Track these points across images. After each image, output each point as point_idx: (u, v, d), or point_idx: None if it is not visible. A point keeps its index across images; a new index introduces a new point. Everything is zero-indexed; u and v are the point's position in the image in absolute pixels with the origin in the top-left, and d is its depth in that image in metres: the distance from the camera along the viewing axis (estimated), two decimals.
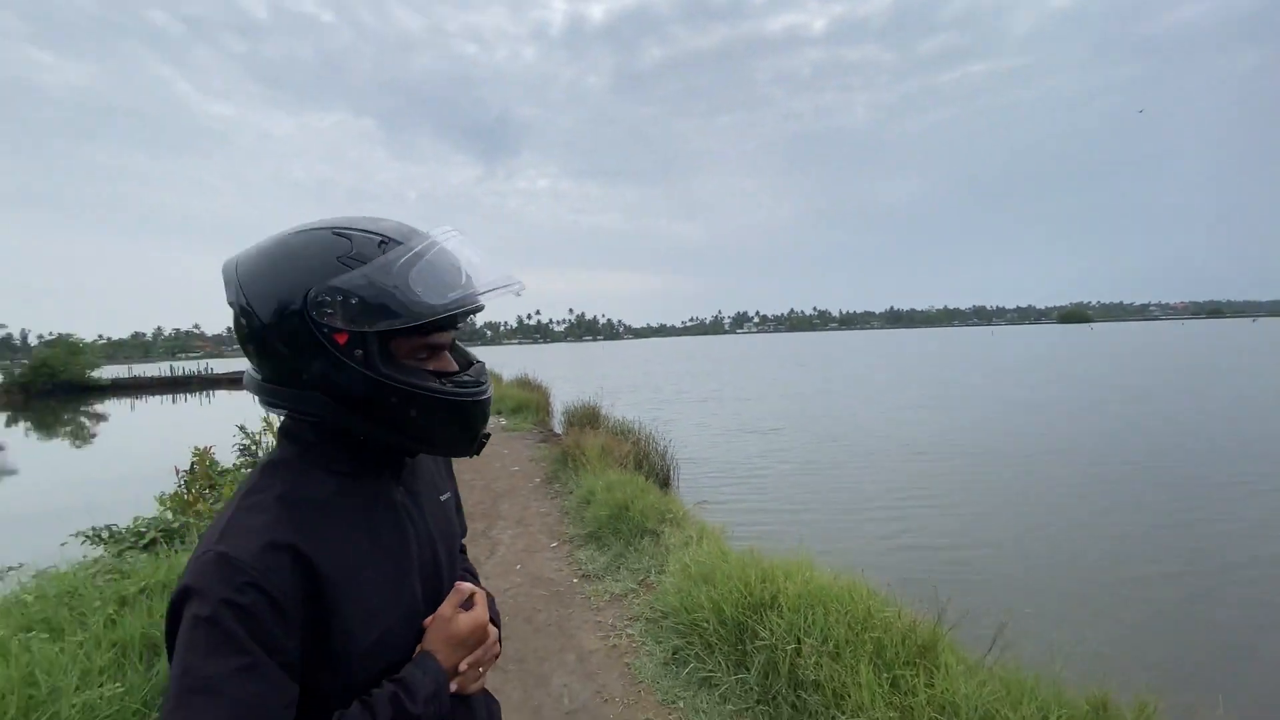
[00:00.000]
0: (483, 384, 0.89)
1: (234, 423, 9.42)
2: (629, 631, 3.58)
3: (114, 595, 3.12)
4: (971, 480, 9.35)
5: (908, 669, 2.71)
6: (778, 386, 26.47)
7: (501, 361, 35.70)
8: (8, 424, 27.11)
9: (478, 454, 0.91)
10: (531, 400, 14.66)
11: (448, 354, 0.90)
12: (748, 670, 2.94)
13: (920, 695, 2.53)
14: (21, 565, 3.98)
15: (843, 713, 2.55)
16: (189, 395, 40.28)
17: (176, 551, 3.97)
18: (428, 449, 0.89)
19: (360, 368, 0.77)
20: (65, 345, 43.08)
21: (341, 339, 0.77)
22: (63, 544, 4.80)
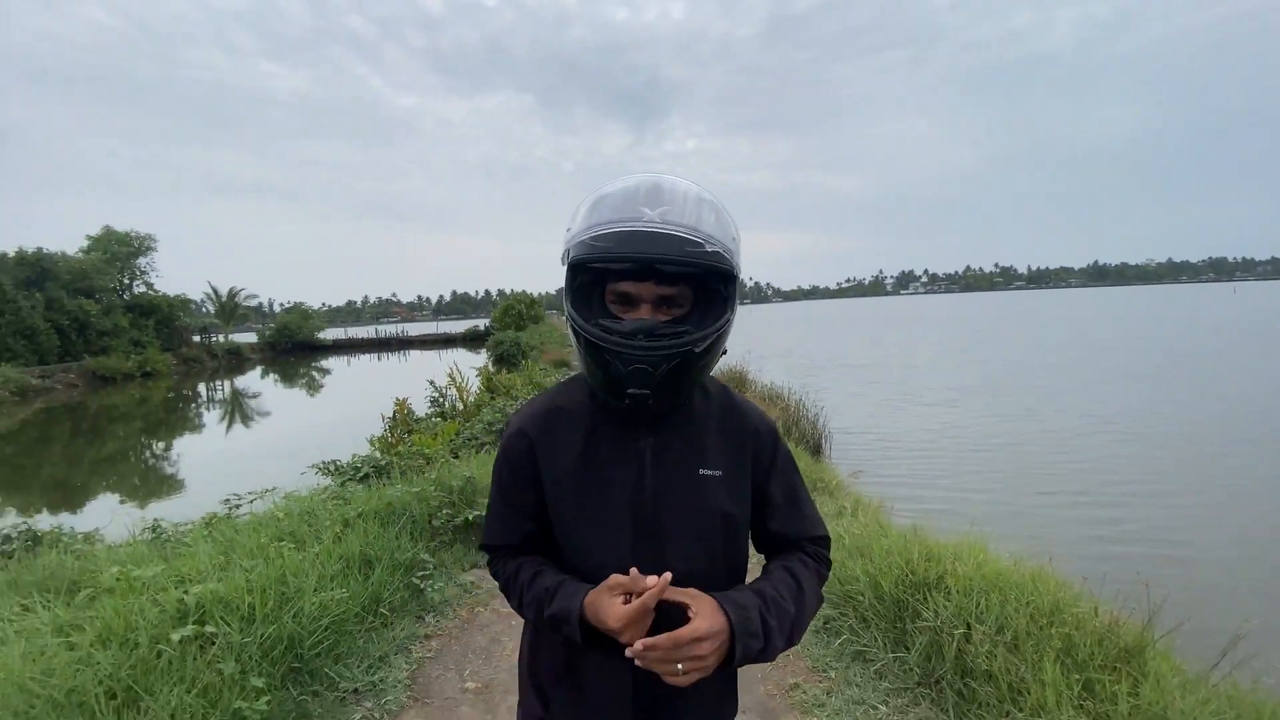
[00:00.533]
0: (634, 340, 0.85)
1: (425, 378, 10.72)
2: None
3: (339, 517, 3.75)
4: (1196, 468, 7.82)
5: (1105, 673, 2.37)
6: (952, 353, 24.07)
7: None
8: (262, 375, 33.62)
9: (643, 414, 0.95)
10: None
11: (648, 308, 0.90)
12: (907, 650, 2.77)
13: (1122, 704, 2.21)
14: (275, 488, 4.94)
15: (1019, 709, 2.32)
16: (389, 354, 46.78)
17: (384, 485, 4.66)
18: (599, 390, 0.95)
19: (565, 303, 0.94)
20: (299, 312, 52.28)
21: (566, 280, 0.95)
22: (301, 473, 5.87)
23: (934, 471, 8.18)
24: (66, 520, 6.40)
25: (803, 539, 1.06)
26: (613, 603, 0.85)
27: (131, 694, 2.12)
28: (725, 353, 0.98)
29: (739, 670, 0.99)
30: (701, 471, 0.98)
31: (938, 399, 13.60)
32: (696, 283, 0.92)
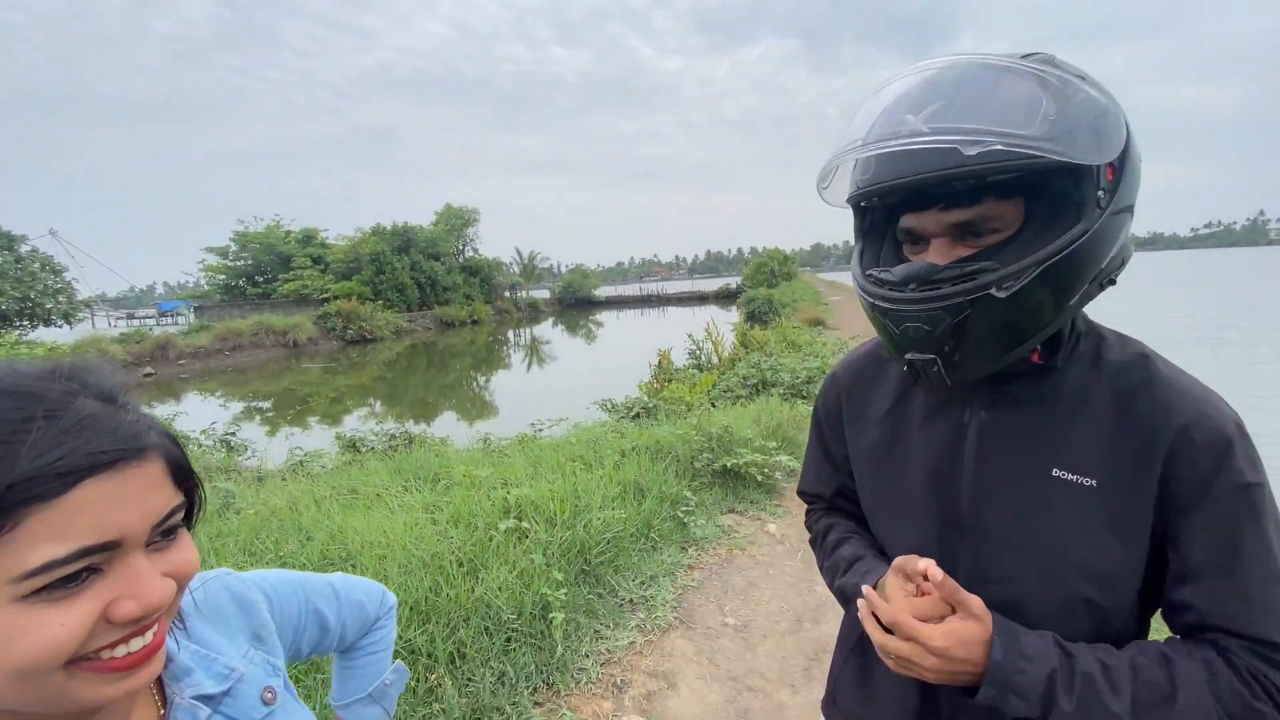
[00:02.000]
0: (904, 292, 0.66)
1: (683, 332, 11.34)
2: None
3: (617, 448, 4.22)
4: None
5: None
6: None
7: None
8: (552, 325, 39.49)
9: (931, 384, 0.70)
10: None
11: (946, 244, 0.68)
12: None
13: None
14: (566, 418, 5.77)
15: None
16: (650, 309, 50.84)
17: (653, 424, 5.09)
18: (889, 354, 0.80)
19: (855, 250, 0.80)
20: (579, 272, 60.51)
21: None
22: (586, 408, 6.73)
23: None
24: (425, 429, 8.43)
25: (1229, 633, 0.63)
26: (894, 592, 0.72)
27: (473, 565, 2.70)
28: (1112, 284, 0.68)
29: None
30: (1056, 473, 0.69)
31: None
32: (1024, 191, 0.65)
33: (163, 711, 0.54)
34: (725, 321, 16.98)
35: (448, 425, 10.61)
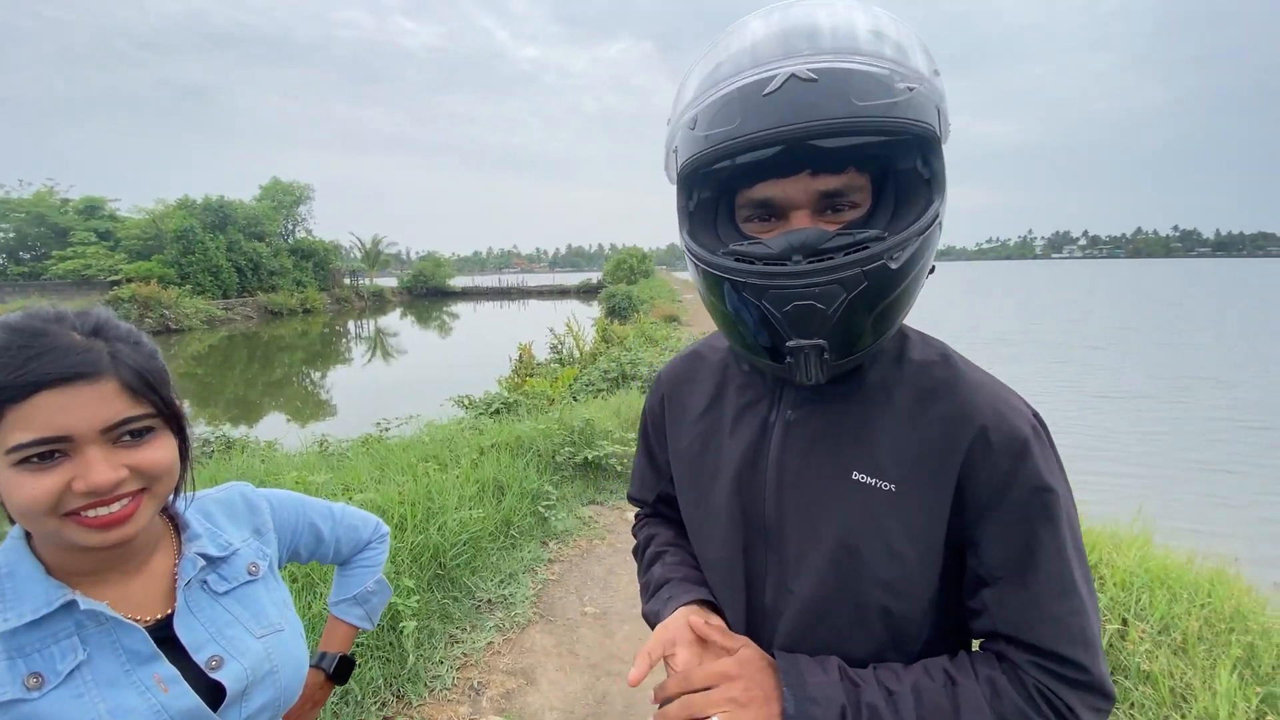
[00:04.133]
0: (788, 265, 0.57)
1: (544, 326, 11.22)
2: None
3: (475, 446, 4.08)
4: None
5: None
6: (1115, 322, 21.32)
7: None
8: (400, 316, 36.91)
9: (810, 380, 0.61)
10: None
11: (806, 216, 0.60)
12: None
13: None
14: (418, 415, 5.45)
15: (1182, 716, 2.09)
16: (510, 302, 49.46)
17: (514, 420, 4.98)
18: (736, 349, 0.71)
19: (681, 233, 0.67)
20: (432, 260, 56.68)
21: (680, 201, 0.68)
22: (440, 405, 6.41)
23: (1092, 454, 7.36)
24: (248, 432, 7.49)
25: (1018, 643, 0.62)
26: (661, 639, 0.72)
27: (309, 580, 2.46)
28: (933, 271, 0.65)
29: None
30: (856, 476, 0.65)
31: (1099, 375, 12.16)
32: (877, 163, 0.60)
33: (177, 560, 0.74)
34: (587, 316, 17.06)
35: (275, 427, 9.50)
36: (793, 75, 0.53)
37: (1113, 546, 2.80)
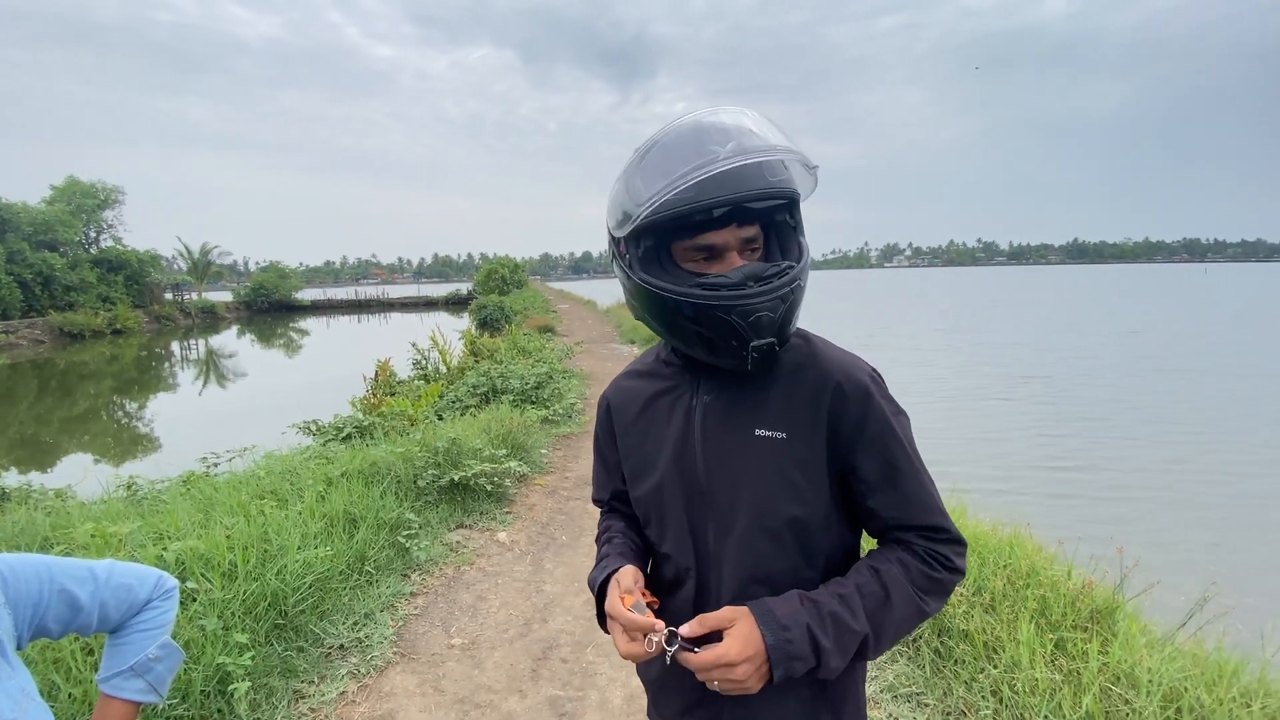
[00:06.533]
0: (746, 289, 0.78)
1: (407, 341, 10.57)
2: None
3: (322, 476, 3.70)
4: (1180, 441, 8.06)
5: (1077, 633, 2.45)
6: (929, 321, 24.35)
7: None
8: (238, 335, 32.92)
9: (760, 368, 0.83)
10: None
11: (736, 256, 0.83)
12: None
13: (1092, 662, 2.29)
14: (254, 446, 4.86)
15: (994, 666, 2.39)
16: (369, 316, 46.02)
17: (368, 445, 4.60)
18: (698, 354, 0.88)
19: (626, 271, 0.88)
20: (276, 271, 50.87)
21: (621, 248, 0.89)
22: (282, 433, 5.78)
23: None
24: (36, 478, 6.25)
25: (905, 527, 0.88)
26: (613, 601, 0.86)
27: (88, 645, 2.09)
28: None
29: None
30: (758, 432, 0.88)
31: (915, 360, 13.79)
32: (765, 216, 0.85)
33: None
34: (456, 329, 16.30)
35: (75, 470, 8.00)
36: (731, 157, 0.76)
37: None
